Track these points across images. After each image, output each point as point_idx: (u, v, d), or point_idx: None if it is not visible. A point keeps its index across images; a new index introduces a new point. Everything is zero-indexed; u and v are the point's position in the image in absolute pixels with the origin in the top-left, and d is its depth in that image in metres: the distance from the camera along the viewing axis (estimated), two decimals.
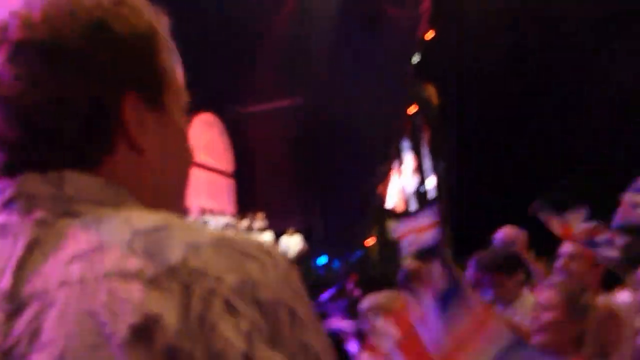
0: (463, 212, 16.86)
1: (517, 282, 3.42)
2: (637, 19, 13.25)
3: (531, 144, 16.57)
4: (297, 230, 13.86)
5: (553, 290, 2.59)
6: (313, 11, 16.45)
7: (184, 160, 0.80)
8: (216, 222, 13.21)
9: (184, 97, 0.80)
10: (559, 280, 2.82)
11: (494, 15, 15.01)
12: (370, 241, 15.78)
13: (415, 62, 15.82)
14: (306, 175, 15.01)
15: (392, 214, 17.67)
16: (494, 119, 16.00)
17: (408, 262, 4.35)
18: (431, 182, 18.98)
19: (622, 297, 3.62)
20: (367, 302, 2.94)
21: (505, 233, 3.94)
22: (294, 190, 14.86)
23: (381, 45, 15.15)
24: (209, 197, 15.41)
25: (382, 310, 2.66)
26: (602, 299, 2.88)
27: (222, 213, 14.24)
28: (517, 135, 16.22)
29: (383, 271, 14.17)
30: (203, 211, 13.63)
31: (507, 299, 3.32)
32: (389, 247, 16.87)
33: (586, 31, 14.12)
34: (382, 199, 17.00)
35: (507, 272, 3.38)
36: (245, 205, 14.98)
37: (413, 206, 18.79)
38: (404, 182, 18.46)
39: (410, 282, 3.73)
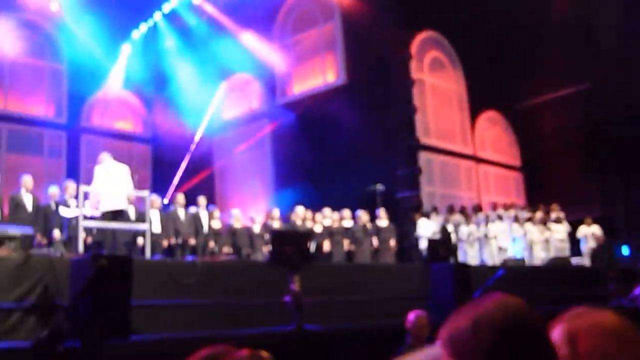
0: None
1: None
2: None
3: None
4: (595, 220, 13.48)
5: None
6: None
7: None
8: (508, 215, 13.56)
9: None
10: None
11: None
12: None
13: None
14: (600, 163, 14.49)
15: None
16: None
17: None
18: None
19: None
20: None
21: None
22: (587, 179, 14.47)
23: None
24: (499, 192, 15.87)
25: None
26: None
27: (513, 207, 14.48)
28: None
29: None
30: (494, 206, 14.02)
31: None
32: None
33: None
34: None
35: None
36: (535, 198, 15.07)
37: None
38: None
39: None
